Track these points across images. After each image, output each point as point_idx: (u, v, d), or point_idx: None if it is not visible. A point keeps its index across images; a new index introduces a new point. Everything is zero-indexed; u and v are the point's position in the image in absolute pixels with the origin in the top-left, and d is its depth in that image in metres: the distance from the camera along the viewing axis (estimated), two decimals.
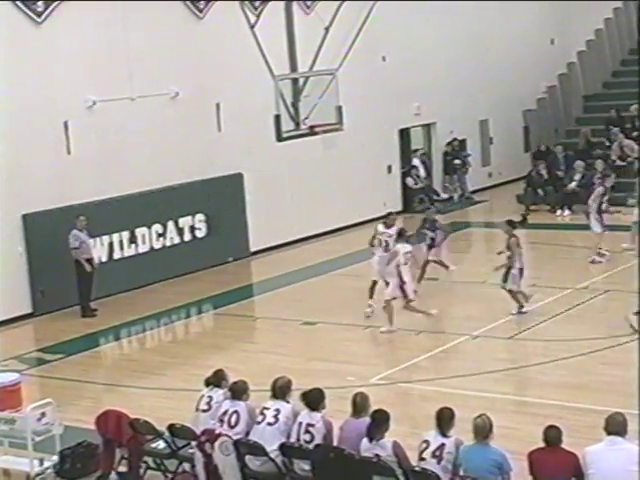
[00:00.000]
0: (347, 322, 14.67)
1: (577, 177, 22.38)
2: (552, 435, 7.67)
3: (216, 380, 9.41)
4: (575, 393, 11.21)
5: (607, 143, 23.69)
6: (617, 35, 27.40)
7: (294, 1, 17.82)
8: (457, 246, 20.58)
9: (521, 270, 14.30)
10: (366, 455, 8.09)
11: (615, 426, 7.48)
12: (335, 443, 8.49)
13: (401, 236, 14.50)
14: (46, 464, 9.81)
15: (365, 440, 8.13)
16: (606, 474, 7.30)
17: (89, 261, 15.99)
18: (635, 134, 23.49)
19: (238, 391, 9.04)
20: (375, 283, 14.88)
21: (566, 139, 25.32)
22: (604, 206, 17.49)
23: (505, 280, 14.27)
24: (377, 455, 8.04)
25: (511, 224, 14.53)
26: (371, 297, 14.81)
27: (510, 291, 14.33)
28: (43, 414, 9.68)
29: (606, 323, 13.67)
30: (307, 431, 8.50)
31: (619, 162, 22.90)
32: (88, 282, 16.02)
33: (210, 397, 9.30)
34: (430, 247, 16.51)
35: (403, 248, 14.05)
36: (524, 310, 14.34)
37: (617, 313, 13.97)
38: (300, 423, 8.57)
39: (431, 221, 16.70)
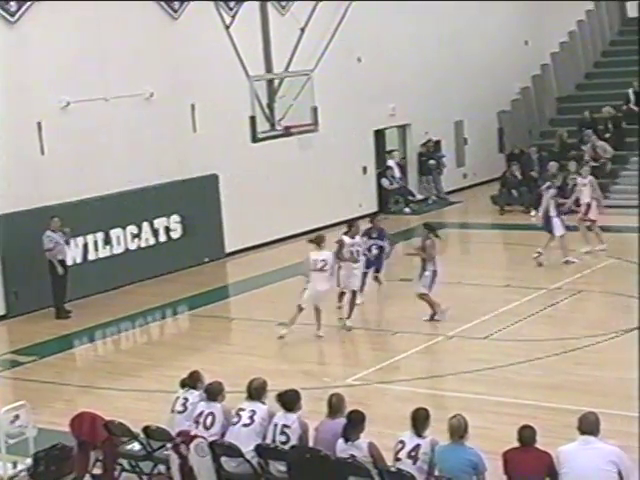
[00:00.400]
0: (323, 323, 14.66)
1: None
2: (526, 435, 7.71)
3: (192, 381, 9.40)
4: (549, 393, 11.28)
5: (581, 144, 23.87)
6: (590, 37, 27.61)
7: (269, 1, 17.81)
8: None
9: (434, 273, 14.15)
10: (342, 456, 8.11)
11: (588, 426, 7.54)
12: (311, 444, 8.51)
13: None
14: (20, 467, 9.74)
15: (341, 441, 8.14)
16: (579, 473, 7.36)
17: (62, 262, 15.89)
18: (608, 135, 23.67)
19: (214, 392, 9.03)
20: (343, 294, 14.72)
21: (540, 140, 25.48)
22: (565, 207, 17.50)
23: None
24: (353, 456, 8.05)
25: (427, 227, 14.55)
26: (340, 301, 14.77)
27: (421, 295, 14.21)
28: (17, 416, 9.61)
29: (580, 323, 13.77)
30: (283, 432, 8.51)
31: (592, 163, 23.06)
32: (62, 283, 15.92)
33: (186, 398, 9.29)
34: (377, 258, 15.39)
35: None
36: (437, 317, 14.15)
37: (591, 313, 14.10)
38: (276, 424, 8.57)
39: (379, 230, 15.55)
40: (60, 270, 15.79)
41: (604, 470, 7.30)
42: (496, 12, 26.04)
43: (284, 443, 8.47)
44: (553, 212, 17.10)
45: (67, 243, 16.07)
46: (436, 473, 7.84)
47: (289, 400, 8.60)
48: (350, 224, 14.83)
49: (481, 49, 25.59)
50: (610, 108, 23.92)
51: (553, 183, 18.25)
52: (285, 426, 8.51)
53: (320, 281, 13.54)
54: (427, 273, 14.12)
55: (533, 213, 22.29)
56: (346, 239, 14.51)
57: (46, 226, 15.83)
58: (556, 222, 17.06)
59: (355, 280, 14.44)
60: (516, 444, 7.74)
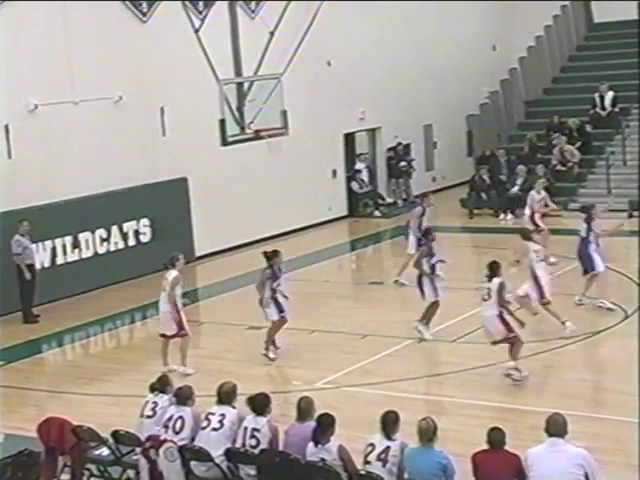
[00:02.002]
0: (292, 326, 14.66)
1: (519, 182, 22.68)
2: (496, 437, 7.76)
3: (161, 386, 9.37)
4: (516, 395, 11.36)
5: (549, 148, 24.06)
6: (557, 41, 27.85)
7: (238, 1, 17.74)
8: (402, 250, 20.74)
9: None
10: (312, 459, 8.11)
11: (555, 427, 7.60)
12: (281, 448, 8.50)
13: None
14: None
15: (311, 444, 8.15)
16: (547, 475, 7.42)
17: (30, 267, 15.77)
18: (575, 141, 23.85)
19: (183, 396, 9.01)
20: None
21: (508, 144, 25.66)
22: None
23: None
24: (323, 459, 8.06)
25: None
26: None
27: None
28: None
29: (547, 326, 13.86)
30: (253, 436, 8.50)
31: (560, 167, 23.28)
32: (30, 288, 15.80)
33: (155, 403, 9.25)
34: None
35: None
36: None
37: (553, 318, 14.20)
38: (246, 428, 8.56)
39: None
40: (28, 275, 15.67)
41: (571, 473, 7.37)
42: (464, 17, 26.23)
43: (254, 447, 8.46)
44: (592, 245, 14.40)
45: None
46: (405, 476, 7.87)
47: (259, 404, 8.59)
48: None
49: (450, 53, 25.75)
50: (575, 120, 24.13)
51: (422, 201, 17.22)
52: (255, 430, 8.51)
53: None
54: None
55: (502, 217, 22.49)
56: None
57: (14, 230, 15.71)
58: (596, 257, 14.43)
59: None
60: (485, 446, 7.79)
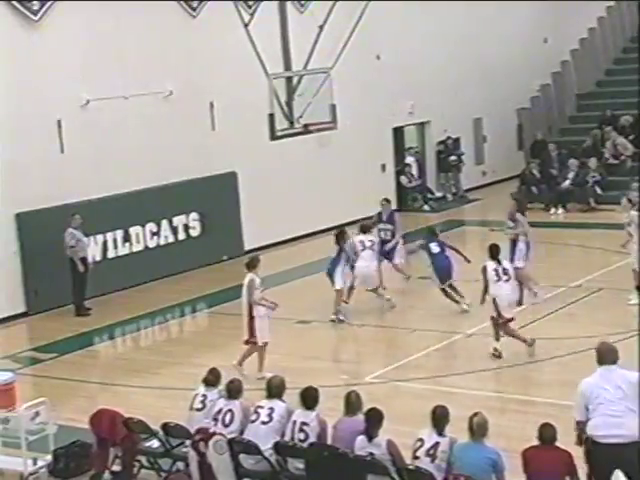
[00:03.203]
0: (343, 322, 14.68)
1: (571, 175, 22.41)
2: (547, 433, 7.68)
3: (214, 378, 9.41)
4: (568, 391, 11.20)
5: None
6: (610, 34, 27.45)
7: (288, 0, 17.83)
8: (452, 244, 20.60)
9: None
10: (360, 454, 8.10)
11: (607, 356, 7.86)
12: (329, 442, 8.50)
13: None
14: (40, 463, 9.79)
15: (361, 438, 8.13)
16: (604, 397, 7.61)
17: (83, 260, 15.96)
18: (629, 134, 23.50)
19: (234, 390, 9.05)
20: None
21: (560, 137, 25.36)
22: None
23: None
24: (371, 453, 8.04)
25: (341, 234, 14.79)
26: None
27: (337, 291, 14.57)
28: (37, 413, 9.67)
29: (599, 321, 13.69)
30: (301, 429, 8.52)
31: (612, 160, 22.95)
32: (82, 281, 15.99)
33: (204, 396, 9.31)
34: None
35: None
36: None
37: (611, 311, 14.01)
38: (294, 422, 8.58)
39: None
40: (81, 267, 15.86)
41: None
42: (516, 10, 25.92)
43: (303, 441, 8.48)
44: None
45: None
46: (455, 471, 7.82)
47: (309, 398, 8.62)
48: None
49: (500, 46, 25.49)
50: (628, 117, 23.75)
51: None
52: (304, 423, 8.52)
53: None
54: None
55: (552, 211, 22.23)
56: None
57: (67, 224, 15.91)
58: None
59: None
60: (534, 442, 7.71)
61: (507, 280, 12.40)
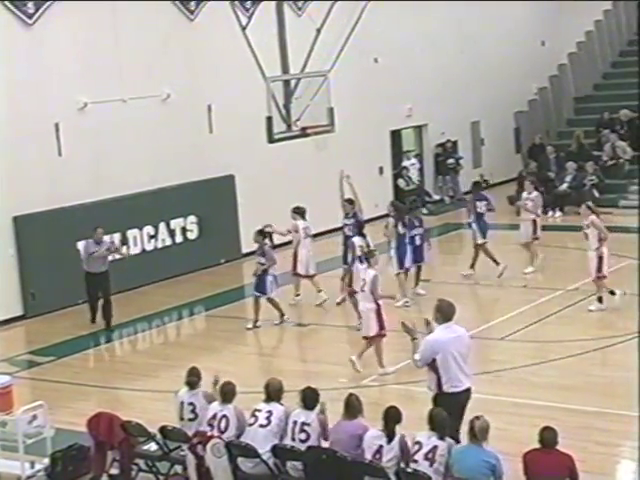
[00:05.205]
0: (340, 324, 14.67)
1: (568, 178, 22.42)
2: (548, 436, 7.68)
3: (197, 379, 9.33)
4: (566, 394, 11.23)
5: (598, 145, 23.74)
6: (607, 36, 27.48)
7: (285, 1, 17.81)
8: (449, 247, 20.63)
9: (275, 277, 14.60)
10: (359, 454, 8.09)
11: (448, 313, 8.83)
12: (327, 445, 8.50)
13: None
14: (37, 467, 9.78)
15: (377, 435, 8.10)
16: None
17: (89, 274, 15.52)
18: (623, 131, 23.50)
19: (229, 393, 9.01)
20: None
21: (557, 140, 25.37)
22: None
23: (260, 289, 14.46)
24: (379, 449, 8.00)
25: (261, 233, 14.97)
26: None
27: (270, 300, 14.54)
28: (34, 417, 9.66)
29: (596, 324, 13.70)
30: (303, 430, 8.52)
31: (610, 163, 22.96)
32: (94, 290, 15.60)
33: (192, 404, 9.22)
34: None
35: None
36: (286, 318, 14.59)
37: (607, 314, 14.01)
38: (295, 422, 8.58)
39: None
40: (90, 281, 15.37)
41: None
42: (513, 12, 25.96)
43: (304, 441, 8.49)
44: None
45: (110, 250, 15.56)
46: (454, 475, 7.81)
47: (309, 398, 8.62)
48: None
49: (498, 49, 25.52)
50: (627, 111, 23.77)
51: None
52: (305, 424, 8.53)
53: None
54: (269, 278, 14.56)
55: (550, 214, 22.23)
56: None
57: (65, 226, 15.78)
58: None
59: None
60: (534, 445, 7.70)
61: None
